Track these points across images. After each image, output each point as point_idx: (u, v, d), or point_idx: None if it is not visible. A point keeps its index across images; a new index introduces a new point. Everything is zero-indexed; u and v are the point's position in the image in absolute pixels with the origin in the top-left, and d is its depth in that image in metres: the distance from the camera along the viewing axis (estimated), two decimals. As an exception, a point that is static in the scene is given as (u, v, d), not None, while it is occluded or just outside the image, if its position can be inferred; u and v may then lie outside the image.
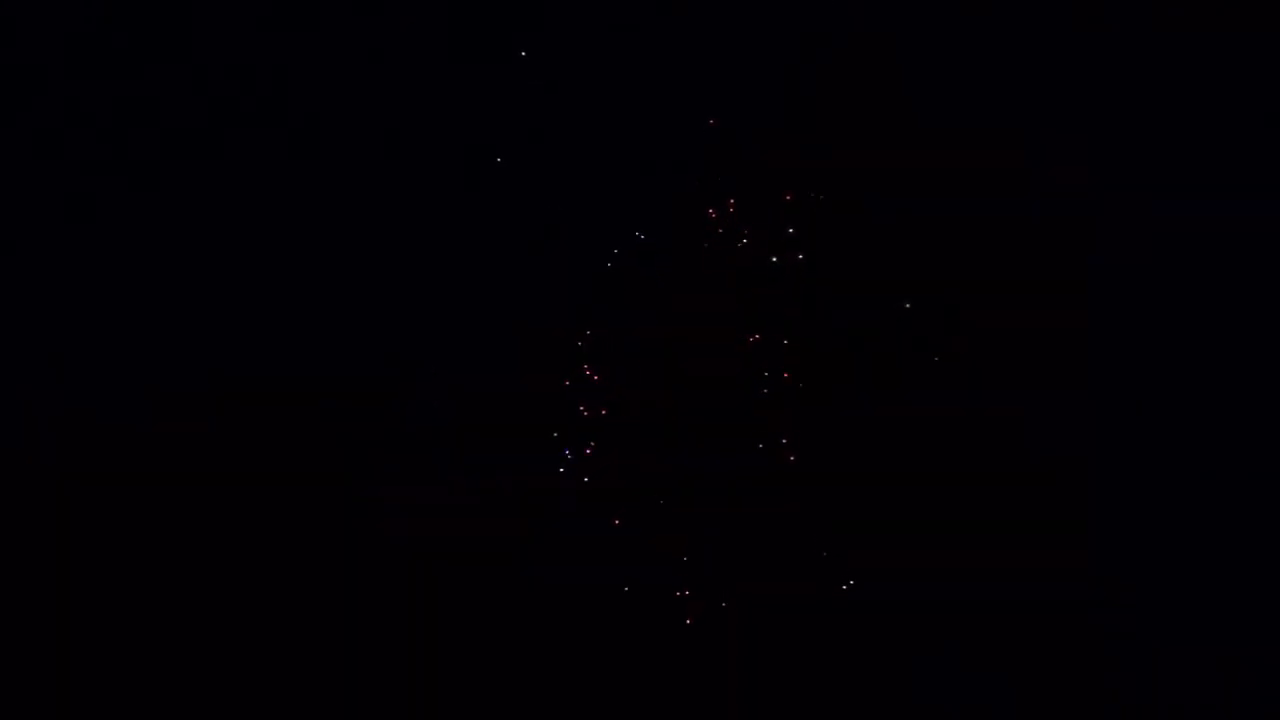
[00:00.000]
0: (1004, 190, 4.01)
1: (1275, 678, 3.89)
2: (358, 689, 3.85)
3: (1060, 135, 4.02)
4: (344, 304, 3.94)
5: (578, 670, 3.91)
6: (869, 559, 3.91)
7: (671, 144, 4.00)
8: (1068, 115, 4.02)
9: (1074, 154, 4.02)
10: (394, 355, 3.94)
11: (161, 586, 3.85)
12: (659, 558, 3.94)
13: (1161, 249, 4.00)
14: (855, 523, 3.93)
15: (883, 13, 4.02)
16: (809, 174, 4.00)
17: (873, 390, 3.97)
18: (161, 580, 3.85)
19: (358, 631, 3.86)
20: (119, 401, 3.89)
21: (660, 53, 4.01)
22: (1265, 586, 3.91)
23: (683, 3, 4.02)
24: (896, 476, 3.94)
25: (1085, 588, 3.92)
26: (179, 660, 3.84)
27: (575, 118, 4.00)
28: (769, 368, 3.97)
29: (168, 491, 3.87)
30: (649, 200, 4.00)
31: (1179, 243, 4.00)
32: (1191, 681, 3.90)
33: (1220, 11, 4.03)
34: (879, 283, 3.99)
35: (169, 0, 3.96)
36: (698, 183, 4.00)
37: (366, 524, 3.89)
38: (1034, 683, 3.91)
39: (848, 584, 3.90)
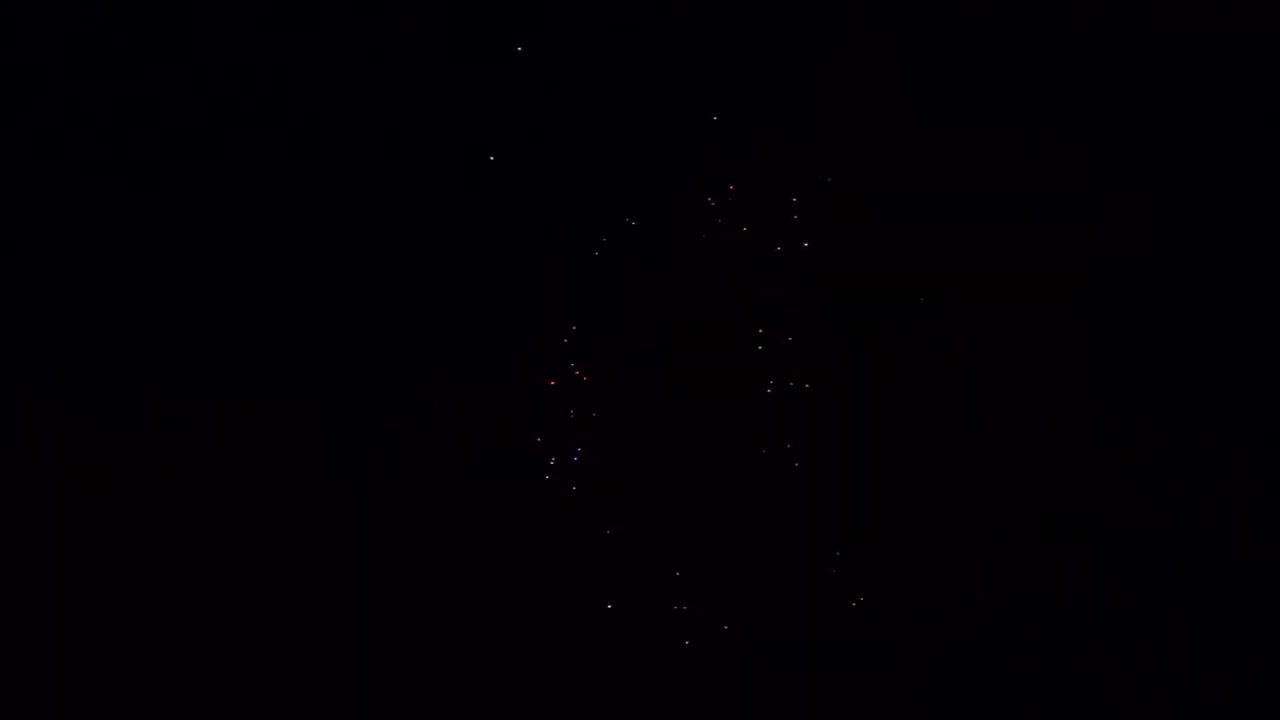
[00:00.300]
0: (1004, 190, 4.01)
1: (1276, 678, 3.90)
2: (357, 690, 3.85)
3: (1060, 135, 4.03)
4: (344, 304, 3.94)
5: (571, 684, 3.92)
6: (869, 560, 3.92)
7: (671, 144, 4.00)
8: (1068, 115, 4.03)
9: (1074, 154, 4.03)
10: (394, 355, 3.95)
11: (162, 587, 3.86)
12: (656, 568, 3.95)
13: (1161, 249, 4.01)
14: (855, 524, 3.94)
15: (883, 13, 4.03)
16: (809, 174, 4.00)
17: (872, 390, 3.97)
18: (162, 580, 3.86)
19: (358, 632, 3.87)
20: (119, 401, 3.90)
21: (660, 53, 4.01)
22: (1266, 587, 3.92)
23: (683, 3, 4.02)
24: (896, 476, 3.95)
25: (1086, 588, 3.93)
26: (179, 660, 3.85)
27: (575, 118, 4.00)
28: (770, 368, 3.97)
29: (168, 491, 3.87)
30: (649, 200, 4.00)
31: (1179, 243, 4.01)
32: (1192, 682, 3.91)
33: (1220, 11, 4.04)
34: (879, 283, 4.00)
35: (169, 0, 3.97)
36: (698, 182, 4.01)
37: (367, 524, 3.90)
38: (1035, 683, 3.92)
39: (856, 600, 3.91)
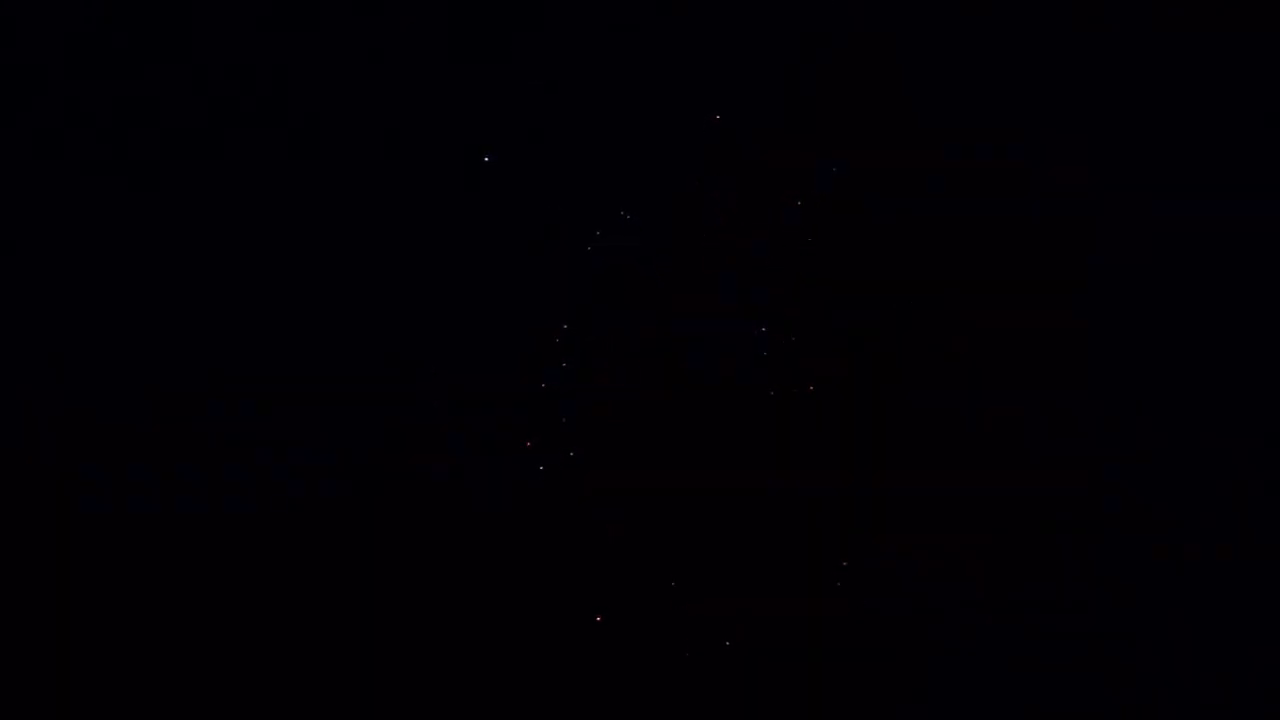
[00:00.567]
0: (1004, 190, 4.01)
1: (1276, 678, 3.90)
2: (357, 690, 3.85)
3: (1060, 135, 4.03)
4: (343, 304, 3.94)
5: (571, 684, 3.91)
6: (869, 561, 3.92)
7: (671, 144, 4.00)
8: (1068, 115, 4.03)
9: (1074, 154, 4.03)
10: (394, 355, 3.95)
11: (162, 586, 3.86)
12: (656, 568, 3.95)
13: (1161, 249, 4.01)
14: (855, 525, 3.94)
15: (883, 13, 4.03)
16: (809, 174, 4.00)
17: (872, 390, 3.97)
18: (162, 580, 3.86)
19: (358, 632, 3.87)
20: (119, 401, 3.90)
21: (660, 52, 4.01)
22: (1266, 587, 3.92)
23: (683, 3, 4.02)
24: (896, 476, 3.95)
25: (1086, 588, 3.93)
26: (179, 660, 3.85)
27: (575, 118, 4.00)
28: (769, 368, 3.97)
29: (168, 491, 3.87)
30: (649, 200, 4.00)
31: (1179, 243, 4.01)
32: (1192, 682, 3.91)
33: (1220, 11, 4.04)
34: (879, 283, 4.00)
35: (169, 0, 3.97)
36: (698, 182, 4.01)
37: (366, 524, 3.90)
38: (1035, 683, 3.92)
39: (855, 601, 3.91)
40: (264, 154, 3.93)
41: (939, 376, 3.97)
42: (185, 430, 3.88)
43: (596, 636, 3.88)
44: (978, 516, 3.95)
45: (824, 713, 3.88)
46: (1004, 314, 3.99)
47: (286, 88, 3.94)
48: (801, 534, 3.93)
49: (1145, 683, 3.89)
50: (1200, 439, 3.95)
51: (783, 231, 3.97)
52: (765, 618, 3.91)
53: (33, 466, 3.85)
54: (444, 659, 3.86)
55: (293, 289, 3.92)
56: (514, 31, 3.96)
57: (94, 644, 3.83)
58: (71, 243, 3.91)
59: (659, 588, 3.92)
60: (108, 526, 3.85)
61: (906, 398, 3.96)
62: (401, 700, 3.86)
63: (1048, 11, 4.00)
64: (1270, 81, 4.00)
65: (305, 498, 3.87)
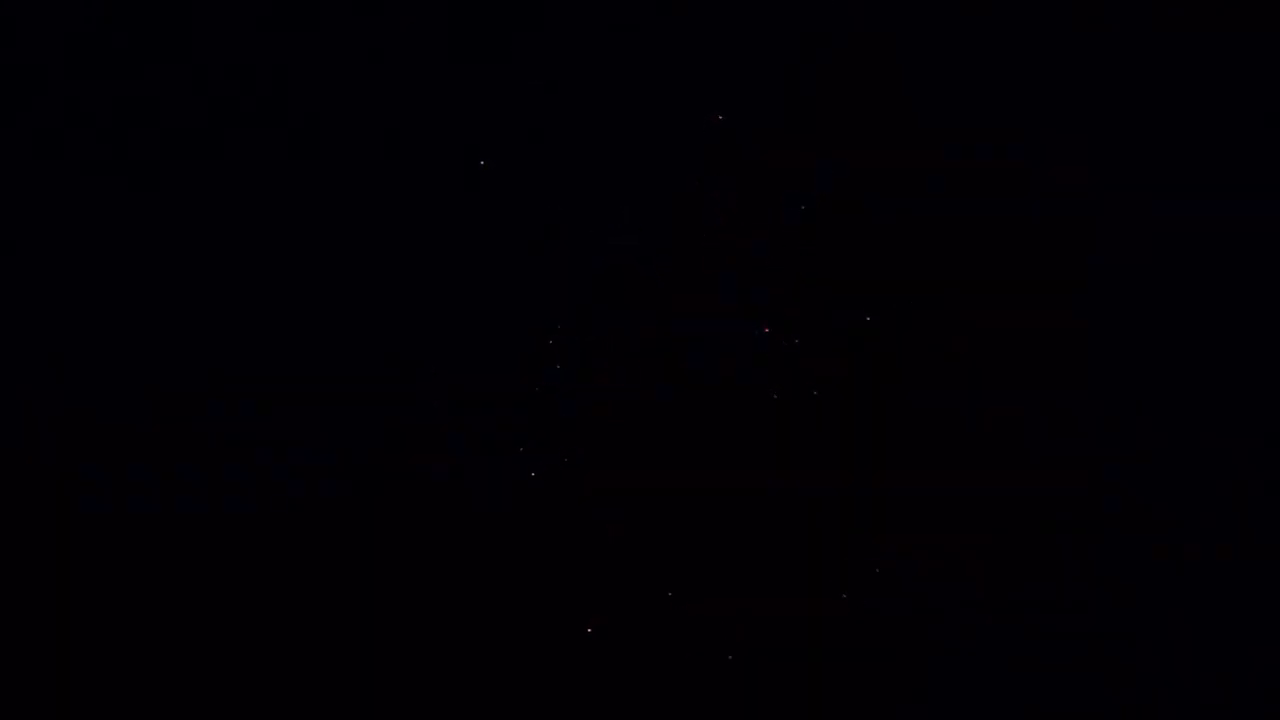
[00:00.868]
0: (1004, 190, 4.01)
1: (1276, 678, 3.90)
2: (357, 690, 3.85)
3: (1060, 135, 4.03)
4: (343, 304, 3.94)
5: (571, 684, 3.91)
6: (869, 561, 3.92)
7: (671, 144, 4.00)
8: (1068, 115, 4.03)
9: (1074, 154, 4.03)
10: (394, 355, 3.95)
11: (162, 586, 3.86)
12: (656, 569, 3.94)
13: (1161, 249, 4.01)
14: (855, 525, 3.94)
15: (883, 13, 4.03)
16: (809, 174, 4.00)
17: (872, 390, 3.97)
18: (162, 580, 3.86)
19: (357, 632, 3.87)
20: (119, 401, 3.90)
21: (660, 52, 4.01)
22: (1266, 587, 3.91)
23: (683, 3, 4.02)
24: (896, 476, 3.95)
25: (1086, 588, 3.93)
26: (179, 660, 3.85)
27: (575, 118, 4.00)
28: (770, 368, 3.97)
29: (168, 491, 3.87)
30: (649, 200, 4.00)
31: (1179, 243, 4.01)
32: (1192, 682, 3.91)
33: (1220, 11, 4.04)
34: (879, 283, 4.00)
35: (169, 0, 3.97)
36: (698, 182, 4.01)
37: (366, 524, 3.90)
38: (1035, 683, 3.92)
39: (854, 601, 3.91)
40: (264, 154, 3.93)
41: (939, 376, 3.97)
42: (185, 430, 3.87)
43: (597, 637, 3.88)
44: (978, 516, 3.95)
45: (824, 713, 3.88)
46: (1004, 314, 3.98)
47: (286, 88, 3.94)
48: (801, 534, 3.93)
49: (1145, 683, 3.89)
50: (1200, 439, 3.95)
51: (783, 231, 3.97)
52: (765, 618, 3.91)
53: (33, 466, 3.85)
54: (444, 659, 3.86)
55: (293, 289, 3.92)
56: (514, 31, 3.96)
57: (94, 644, 3.83)
58: (71, 243, 3.91)
59: (659, 588, 3.91)
60: (108, 526, 3.85)
61: (906, 398, 3.96)
62: (402, 700, 3.85)
63: (1048, 11, 4.00)
64: (1270, 81, 4.00)
65: (305, 498, 3.87)
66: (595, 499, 3.92)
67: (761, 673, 3.90)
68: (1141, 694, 3.88)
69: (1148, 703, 3.88)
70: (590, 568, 3.91)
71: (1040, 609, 3.93)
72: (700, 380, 3.94)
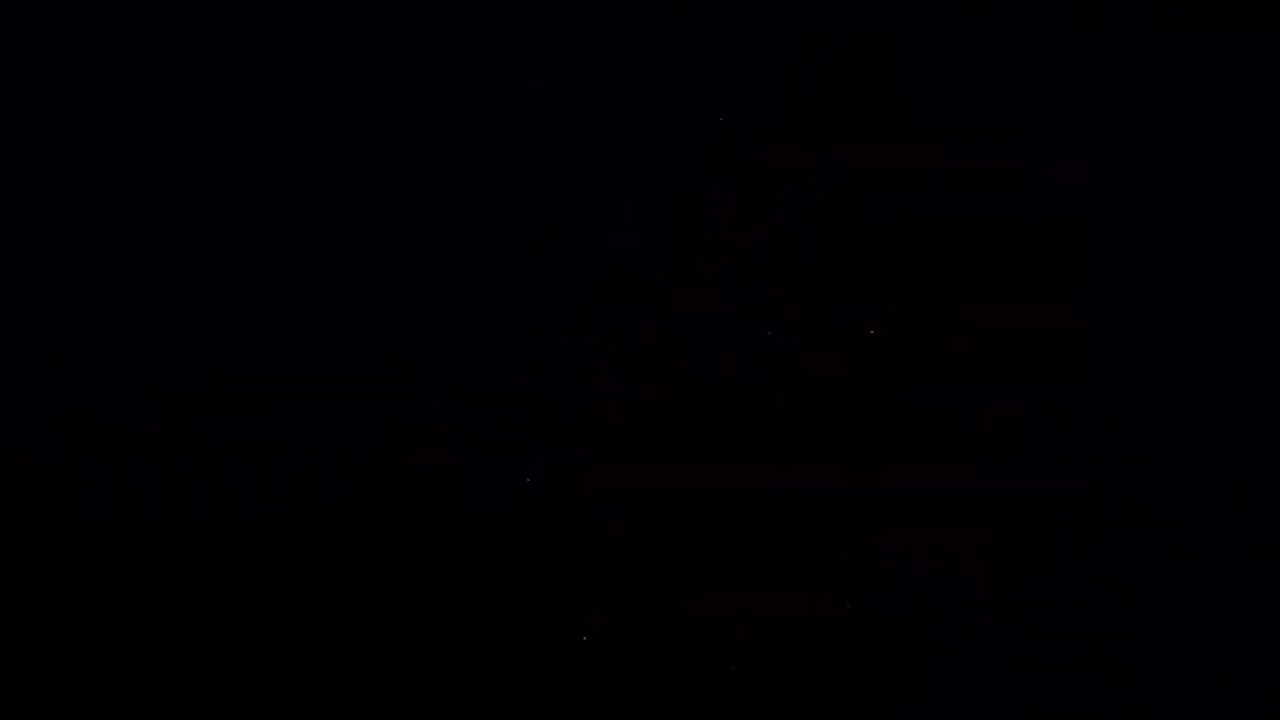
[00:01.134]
0: (1004, 190, 4.01)
1: (1276, 678, 3.90)
2: (356, 690, 3.85)
3: (1060, 135, 4.03)
4: (343, 304, 3.94)
5: (571, 684, 3.91)
6: (869, 561, 3.92)
7: (671, 144, 4.00)
8: (1068, 115, 4.03)
9: (1074, 154, 4.03)
10: (394, 355, 3.95)
11: (162, 586, 3.86)
12: (657, 569, 3.94)
13: (1161, 249, 4.01)
14: (855, 525, 3.94)
15: (883, 13, 4.03)
16: (809, 174, 4.00)
17: (872, 390, 3.97)
18: (162, 580, 3.86)
19: (357, 633, 3.87)
20: (119, 401, 3.90)
21: (660, 52, 4.01)
22: (1266, 587, 3.91)
23: (683, 3, 4.02)
24: (896, 476, 3.95)
25: (1086, 588, 3.93)
26: (179, 660, 3.85)
27: (575, 118, 4.00)
28: (770, 368, 3.97)
29: (168, 491, 3.87)
30: (649, 200, 4.00)
31: (1179, 243, 4.01)
32: (1192, 682, 3.91)
33: (1220, 11, 4.04)
34: (879, 283, 4.00)
35: (169, 0, 3.97)
36: (698, 183, 4.01)
37: (366, 524, 3.90)
38: (1035, 683, 3.91)
39: (852, 602, 3.90)
40: (264, 154, 3.93)
41: (939, 376, 3.97)
42: (185, 430, 3.87)
43: (597, 637, 3.88)
44: (978, 516, 3.95)
45: (824, 713, 3.88)
46: (1004, 314, 3.98)
47: (286, 88, 3.94)
48: (801, 534, 3.93)
49: (1145, 683, 3.89)
50: (1200, 439, 3.95)
51: (783, 231, 3.97)
52: (765, 618, 3.91)
53: (33, 466, 3.85)
54: (444, 659, 3.86)
55: (293, 289, 3.92)
56: (514, 31, 3.96)
57: (94, 644, 3.83)
58: (71, 243, 3.91)
59: (659, 588, 3.91)
60: (108, 526, 3.85)
61: (906, 398, 3.96)
62: (402, 700, 3.85)
63: (1048, 11, 4.00)
64: (1270, 81, 4.00)
65: (305, 498, 3.87)
66: (595, 499, 3.92)
67: (762, 673, 3.90)
68: (1141, 694, 3.88)
69: (1148, 703, 3.88)
70: (590, 568, 3.91)
71: (1040, 609, 3.93)
72: (700, 380, 3.94)
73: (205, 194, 3.92)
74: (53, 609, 3.83)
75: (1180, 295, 3.99)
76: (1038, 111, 4.01)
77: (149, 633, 3.84)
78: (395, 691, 3.85)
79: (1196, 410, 3.96)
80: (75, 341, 3.88)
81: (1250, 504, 3.93)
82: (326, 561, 3.86)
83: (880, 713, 3.88)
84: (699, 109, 3.98)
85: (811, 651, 3.91)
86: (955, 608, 3.92)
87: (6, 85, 3.90)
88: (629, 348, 3.94)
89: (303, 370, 3.90)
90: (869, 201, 3.99)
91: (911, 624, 3.92)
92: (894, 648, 3.91)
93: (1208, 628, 3.90)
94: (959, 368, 3.97)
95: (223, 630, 3.84)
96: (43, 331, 3.88)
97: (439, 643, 3.86)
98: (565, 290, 3.94)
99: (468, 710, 3.85)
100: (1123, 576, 3.92)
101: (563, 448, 3.91)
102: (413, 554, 3.88)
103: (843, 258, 3.98)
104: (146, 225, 3.91)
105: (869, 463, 3.95)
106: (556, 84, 3.96)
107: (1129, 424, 3.96)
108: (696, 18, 3.98)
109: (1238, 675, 3.89)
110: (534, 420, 3.92)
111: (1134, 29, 4.01)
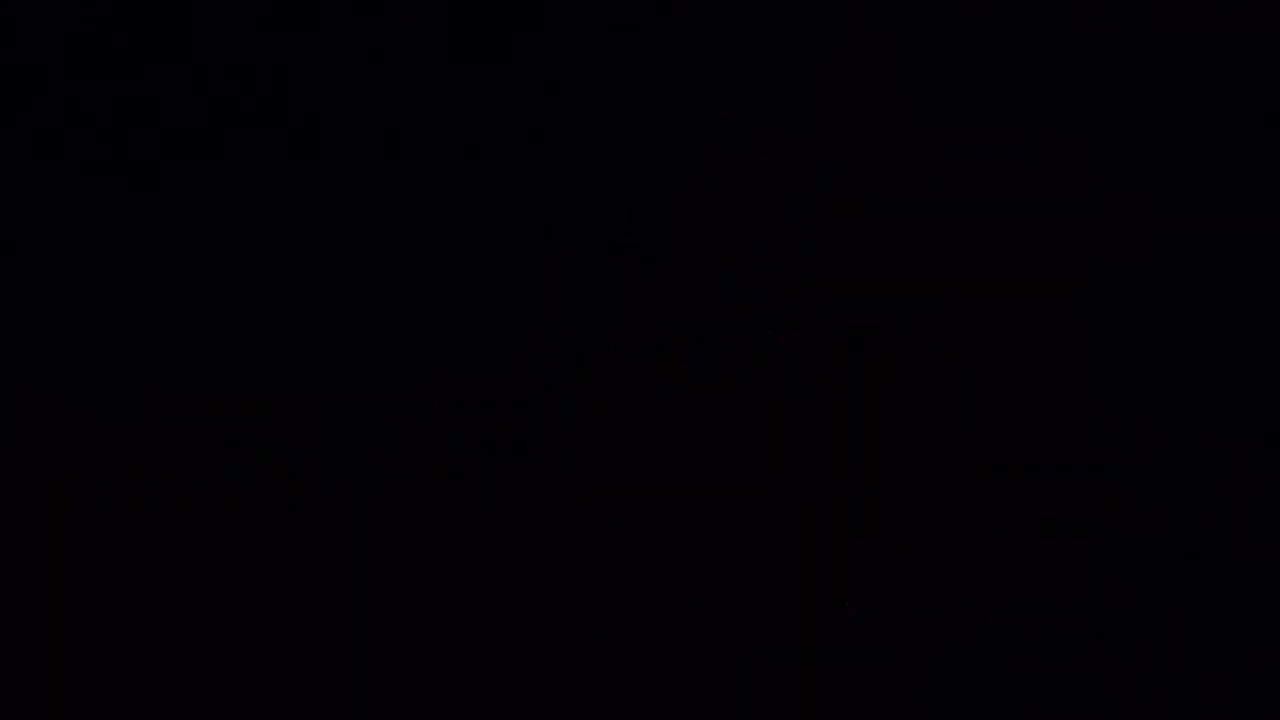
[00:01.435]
0: (1004, 190, 4.01)
1: (1276, 678, 3.90)
2: (356, 691, 3.85)
3: (1060, 135, 4.03)
4: (343, 304, 3.94)
5: (571, 684, 3.91)
6: (870, 562, 3.92)
7: (671, 144, 4.00)
8: (1068, 115, 4.03)
9: (1074, 154, 4.03)
10: (394, 355, 3.95)
11: (162, 586, 3.86)
12: (657, 569, 3.94)
13: (1161, 249, 4.01)
14: (855, 525, 3.94)
15: (883, 13, 4.03)
16: (809, 174, 4.00)
17: (872, 390, 3.97)
18: (162, 580, 3.86)
19: (357, 633, 3.87)
20: (119, 401, 3.90)
21: (660, 52, 4.01)
22: (1266, 587, 3.91)
23: (683, 3, 4.02)
24: (896, 476, 3.95)
25: (1086, 588, 3.93)
26: (179, 660, 3.85)
27: (575, 118, 4.00)
28: (770, 369, 3.97)
29: (168, 491, 3.87)
30: (649, 200, 4.00)
31: (1179, 243, 4.01)
32: (1192, 681, 3.91)
33: (1220, 11, 4.04)
34: (879, 283, 4.00)
35: (169, 0, 3.97)
36: (698, 183, 4.01)
37: (366, 524, 3.90)
38: (1035, 683, 3.91)
39: (853, 602, 3.91)
40: (264, 154, 3.93)
41: (939, 376, 3.97)
42: (185, 430, 3.88)
43: (596, 637, 3.88)
44: (978, 516, 3.95)
45: (824, 713, 3.88)
46: (1004, 314, 3.98)
47: (286, 88, 3.94)
48: (801, 534, 3.93)
49: (1145, 683, 3.89)
50: (1200, 439, 3.95)
51: (783, 231, 3.97)
52: (765, 618, 3.91)
53: (33, 466, 3.85)
54: (444, 659, 3.86)
55: (293, 289, 3.92)
56: (514, 31, 3.96)
57: (94, 644, 3.83)
58: (71, 243, 3.91)
59: (659, 588, 3.91)
60: (108, 526, 3.85)
61: (906, 398, 3.96)
62: (402, 700, 3.85)
63: (1048, 11, 4.00)
64: (1270, 81, 4.00)
65: (305, 498, 3.87)
66: (595, 499, 3.92)
67: (761, 673, 3.90)
68: (1141, 694, 3.88)
69: (1148, 703, 3.88)
70: (590, 568, 3.91)
71: (1040, 609, 3.93)
72: (700, 380, 3.94)
73: (205, 194, 3.92)
74: (53, 609, 3.83)
75: (1180, 295, 3.99)
76: (1038, 111, 4.02)
77: (149, 633, 3.84)
78: (395, 691, 3.85)
79: (1196, 410, 3.96)
80: (75, 341, 3.88)
81: (1250, 504, 3.93)
82: (326, 561, 3.87)
83: (880, 713, 3.88)
84: (699, 109, 3.98)
85: (811, 651, 3.91)
86: (955, 608, 3.93)
87: (6, 85, 3.90)
88: (629, 348, 3.94)
89: (303, 370, 3.90)
90: (869, 201, 3.99)
91: (911, 624, 3.92)
92: (894, 648, 3.91)
93: (1208, 628, 3.90)
94: (959, 368, 3.97)
95: (223, 630, 3.85)
96: (43, 331, 3.88)
97: (439, 643, 3.86)
98: (565, 290, 3.95)
99: (468, 710, 3.85)
100: (1123, 576, 3.92)
101: (563, 448, 3.91)
102: (413, 554, 3.88)
103: (843, 258, 3.98)
104: (146, 225, 3.91)
105: (869, 463, 3.95)
106: (556, 84, 3.96)
107: (1129, 424, 3.96)
108: (696, 18, 3.98)
109: (1238, 675, 3.89)
110: (534, 420, 3.92)
111: (1134, 29, 4.01)
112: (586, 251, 3.96)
